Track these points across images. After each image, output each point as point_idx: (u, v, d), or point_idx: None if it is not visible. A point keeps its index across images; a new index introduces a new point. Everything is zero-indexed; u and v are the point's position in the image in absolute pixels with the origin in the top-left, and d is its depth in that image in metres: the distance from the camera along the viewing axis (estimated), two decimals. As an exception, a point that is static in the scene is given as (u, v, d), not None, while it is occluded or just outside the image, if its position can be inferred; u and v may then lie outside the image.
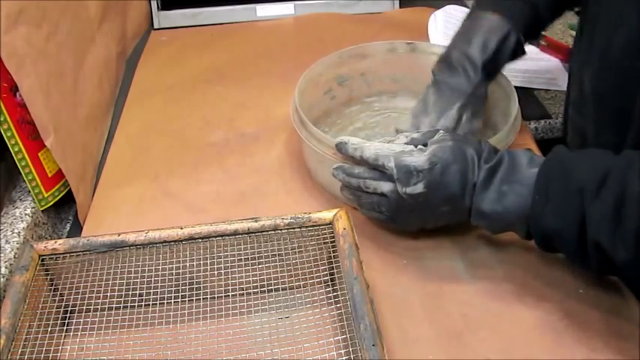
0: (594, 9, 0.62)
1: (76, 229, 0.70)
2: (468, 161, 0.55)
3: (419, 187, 0.55)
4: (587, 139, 0.65)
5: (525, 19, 0.70)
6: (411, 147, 0.58)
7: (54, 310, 0.55)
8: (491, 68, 0.69)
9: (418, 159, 0.55)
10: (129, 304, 0.56)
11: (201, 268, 0.56)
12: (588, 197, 0.48)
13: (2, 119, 0.62)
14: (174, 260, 0.56)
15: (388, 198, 0.58)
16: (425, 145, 0.58)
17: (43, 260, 0.55)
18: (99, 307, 0.55)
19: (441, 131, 0.59)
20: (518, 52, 0.71)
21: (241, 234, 0.56)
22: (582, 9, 0.69)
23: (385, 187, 0.58)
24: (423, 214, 0.59)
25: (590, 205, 0.48)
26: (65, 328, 0.56)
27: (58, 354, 0.53)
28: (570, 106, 0.68)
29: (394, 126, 0.73)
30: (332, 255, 0.56)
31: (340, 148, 0.61)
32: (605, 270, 0.53)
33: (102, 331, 0.54)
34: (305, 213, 0.57)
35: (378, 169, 0.59)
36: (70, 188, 0.70)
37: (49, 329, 0.54)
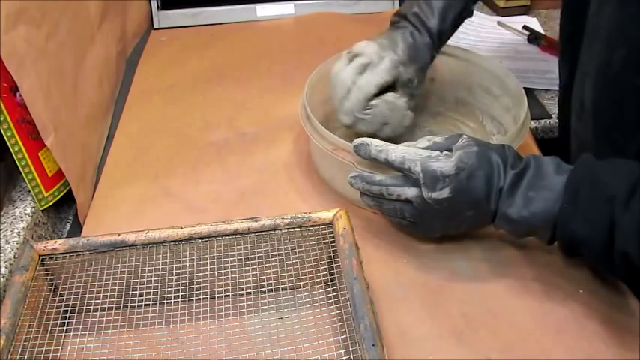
0: (594, 20, 0.61)
1: (76, 229, 0.70)
2: (494, 166, 0.55)
3: (445, 193, 0.55)
4: (588, 150, 0.64)
5: None
6: (437, 152, 0.57)
7: (54, 310, 0.55)
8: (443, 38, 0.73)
9: (445, 165, 0.55)
10: (129, 304, 0.56)
11: (201, 268, 0.56)
12: (618, 207, 0.48)
13: (2, 119, 0.62)
14: (174, 260, 0.56)
15: (412, 204, 0.58)
16: (449, 150, 0.57)
17: (43, 260, 0.55)
18: (99, 307, 0.55)
19: (464, 136, 0.58)
20: (464, 16, 0.74)
21: (241, 234, 0.56)
22: (573, 18, 0.69)
23: (410, 192, 0.57)
24: (447, 219, 0.58)
25: (620, 216, 0.48)
26: (65, 328, 0.56)
27: (58, 354, 0.53)
28: (573, 114, 0.67)
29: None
30: (332, 255, 0.56)
31: (360, 149, 0.60)
32: (632, 280, 0.53)
33: (102, 331, 0.54)
34: (305, 213, 0.57)
35: (403, 173, 0.58)
36: (70, 188, 0.70)
37: (49, 329, 0.54)
